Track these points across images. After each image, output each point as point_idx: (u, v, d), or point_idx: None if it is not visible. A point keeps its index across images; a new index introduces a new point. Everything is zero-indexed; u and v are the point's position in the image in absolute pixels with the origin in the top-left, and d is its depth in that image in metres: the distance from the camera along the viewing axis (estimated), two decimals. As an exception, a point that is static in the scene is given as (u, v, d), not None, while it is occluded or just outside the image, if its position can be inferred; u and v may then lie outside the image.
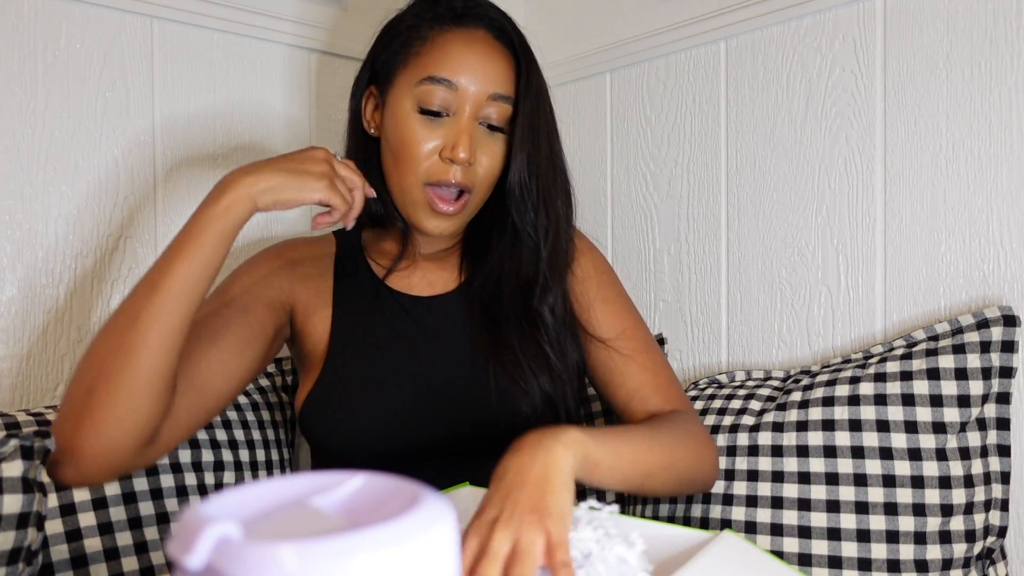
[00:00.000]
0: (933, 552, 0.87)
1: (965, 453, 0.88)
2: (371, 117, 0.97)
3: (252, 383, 1.10)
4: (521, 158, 0.92)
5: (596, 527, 0.57)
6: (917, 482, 0.88)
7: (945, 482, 0.87)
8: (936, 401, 0.89)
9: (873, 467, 0.89)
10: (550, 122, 0.95)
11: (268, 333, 0.89)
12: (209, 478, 1.00)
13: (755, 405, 1.01)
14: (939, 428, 0.88)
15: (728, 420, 1.00)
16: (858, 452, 0.90)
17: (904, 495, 0.88)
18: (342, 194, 0.82)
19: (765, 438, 0.96)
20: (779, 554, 0.91)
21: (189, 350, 0.81)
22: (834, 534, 0.90)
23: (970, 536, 0.87)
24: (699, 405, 1.06)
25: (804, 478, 0.92)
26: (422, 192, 0.90)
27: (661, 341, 1.27)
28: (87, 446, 0.71)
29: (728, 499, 0.96)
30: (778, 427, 0.96)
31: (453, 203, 0.91)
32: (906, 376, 0.91)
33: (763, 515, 0.93)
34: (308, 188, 0.79)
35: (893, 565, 0.87)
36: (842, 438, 0.92)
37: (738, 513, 0.95)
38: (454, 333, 0.95)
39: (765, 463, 0.95)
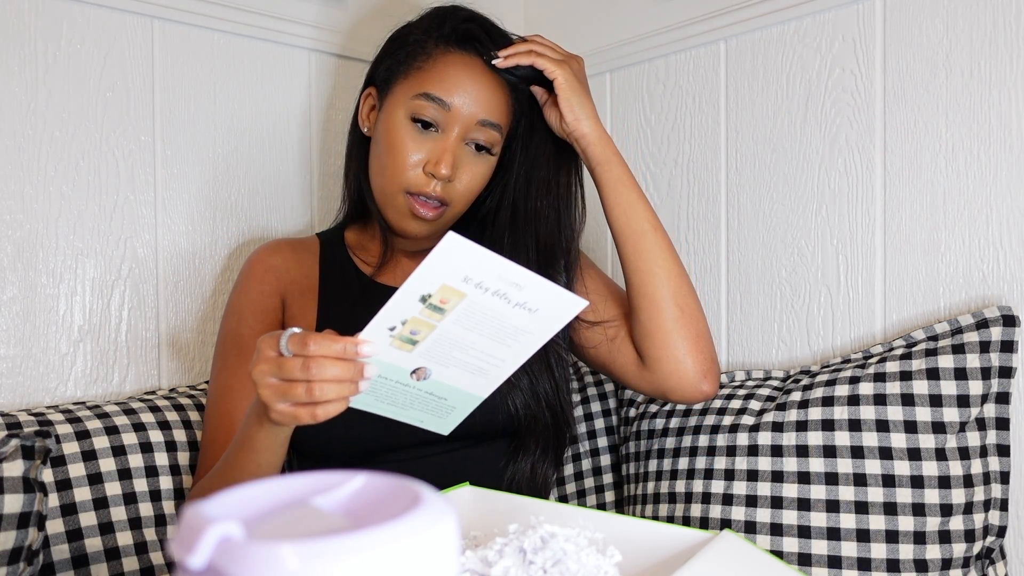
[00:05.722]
0: (932, 552, 0.87)
1: (964, 453, 0.88)
2: (366, 117, 1.01)
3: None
4: (512, 188, 1.00)
5: (575, 528, 0.57)
6: (916, 482, 0.88)
7: (944, 482, 0.87)
8: (936, 401, 0.89)
9: (873, 467, 0.90)
10: (549, 159, 1.00)
11: None
12: (209, 478, 1.00)
13: (755, 405, 1.01)
14: (939, 428, 0.88)
15: (728, 420, 1.00)
16: (858, 452, 0.90)
17: (903, 495, 0.88)
18: (299, 399, 0.66)
19: (765, 438, 0.96)
20: (779, 554, 0.91)
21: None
22: (834, 534, 0.90)
23: (969, 536, 0.88)
24: (699, 405, 1.06)
25: (804, 478, 0.92)
26: (403, 198, 0.94)
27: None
28: None
29: (728, 499, 0.96)
30: (778, 427, 0.96)
31: (433, 210, 0.94)
32: (905, 376, 0.91)
33: (763, 515, 0.93)
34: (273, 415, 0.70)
35: (892, 565, 0.87)
36: (842, 438, 0.92)
37: (738, 513, 0.95)
38: None
39: (765, 463, 0.95)
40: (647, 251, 0.94)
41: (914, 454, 0.88)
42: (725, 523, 0.96)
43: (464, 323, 0.66)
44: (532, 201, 0.99)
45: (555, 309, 0.68)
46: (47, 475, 0.88)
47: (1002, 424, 0.89)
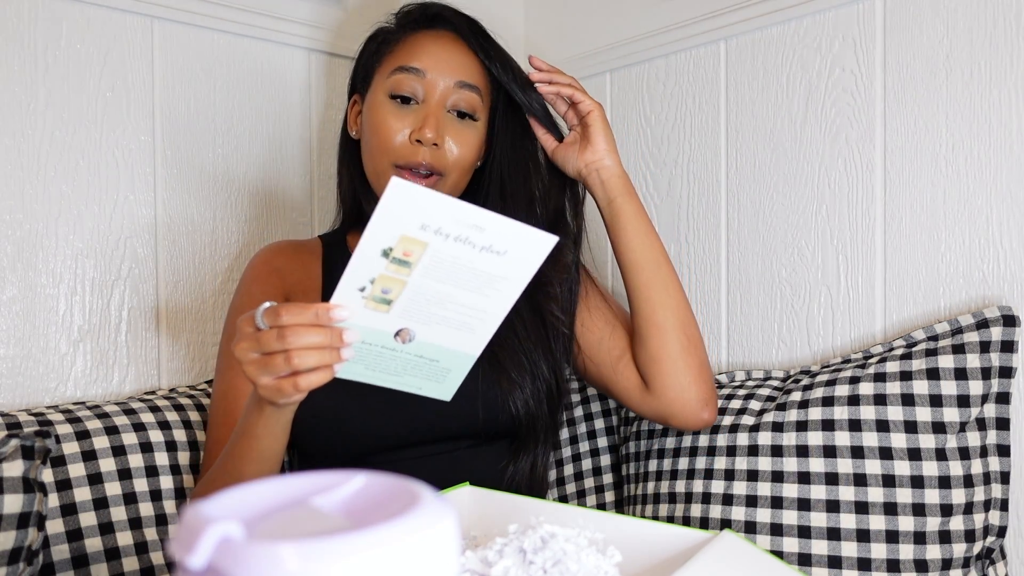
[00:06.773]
0: (933, 552, 0.87)
1: (965, 453, 0.88)
2: (354, 121, 1.04)
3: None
4: (499, 152, 1.00)
5: (575, 528, 0.57)
6: (917, 482, 0.88)
7: (945, 482, 0.87)
8: (936, 401, 0.89)
9: (873, 467, 0.90)
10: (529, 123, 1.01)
11: None
12: (209, 478, 1.00)
13: (755, 405, 1.01)
14: (939, 428, 0.88)
15: (728, 420, 1.00)
16: (858, 452, 0.90)
17: (904, 495, 0.88)
18: (276, 369, 0.66)
19: (765, 438, 0.96)
20: (779, 554, 0.91)
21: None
22: (834, 534, 0.90)
23: (970, 536, 0.88)
24: (699, 405, 1.06)
25: (804, 478, 0.92)
26: (393, 173, 0.94)
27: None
28: None
29: (728, 499, 0.96)
30: (778, 427, 0.96)
31: (422, 180, 0.95)
32: (906, 376, 0.91)
33: (763, 515, 0.93)
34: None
35: (893, 565, 0.87)
36: (842, 438, 0.92)
37: (738, 513, 0.95)
38: None
39: (765, 463, 0.95)
40: (659, 282, 0.96)
41: (914, 454, 0.88)
42: (725, 523, 0.96)
43: (434, 275, 0.65)
44: (519, 177, 1.00)
45: (524, 250, 0.65)
46: (47, 475, 0.87)
47: (1002, 424, 0.89)
